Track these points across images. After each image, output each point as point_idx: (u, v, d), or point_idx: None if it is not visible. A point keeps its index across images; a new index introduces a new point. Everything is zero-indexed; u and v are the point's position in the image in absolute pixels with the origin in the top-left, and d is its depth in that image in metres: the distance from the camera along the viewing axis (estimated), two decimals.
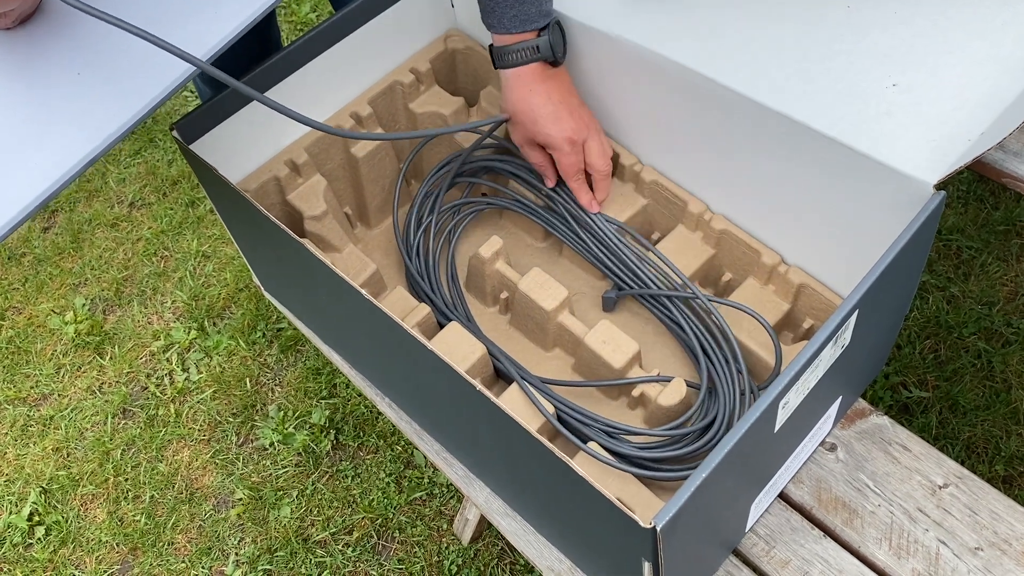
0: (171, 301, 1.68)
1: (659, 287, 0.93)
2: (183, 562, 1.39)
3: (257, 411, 1.53)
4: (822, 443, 0.90)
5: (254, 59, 0.90)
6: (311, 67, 0.95)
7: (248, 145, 0.95)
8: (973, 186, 1.60)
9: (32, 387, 1.60)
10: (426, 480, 1.42)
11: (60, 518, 1.44)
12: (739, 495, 0.77)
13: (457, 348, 0.88)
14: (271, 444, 1.48)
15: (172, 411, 1.54)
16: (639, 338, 0.95)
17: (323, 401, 1.51)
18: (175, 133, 0.86)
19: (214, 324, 1.63)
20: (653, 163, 0.98)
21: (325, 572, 1.36)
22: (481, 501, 0.93)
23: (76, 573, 1.40)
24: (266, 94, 0.92)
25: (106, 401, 1.56)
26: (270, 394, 1.54)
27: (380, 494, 1.41)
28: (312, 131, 0.98)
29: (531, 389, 0.85)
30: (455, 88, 1.11)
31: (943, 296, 1.47)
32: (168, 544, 1.41)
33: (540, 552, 0.89)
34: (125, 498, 1.46)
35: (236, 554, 1.39)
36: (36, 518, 1.45)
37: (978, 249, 1.52)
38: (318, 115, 1.00)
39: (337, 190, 1.03)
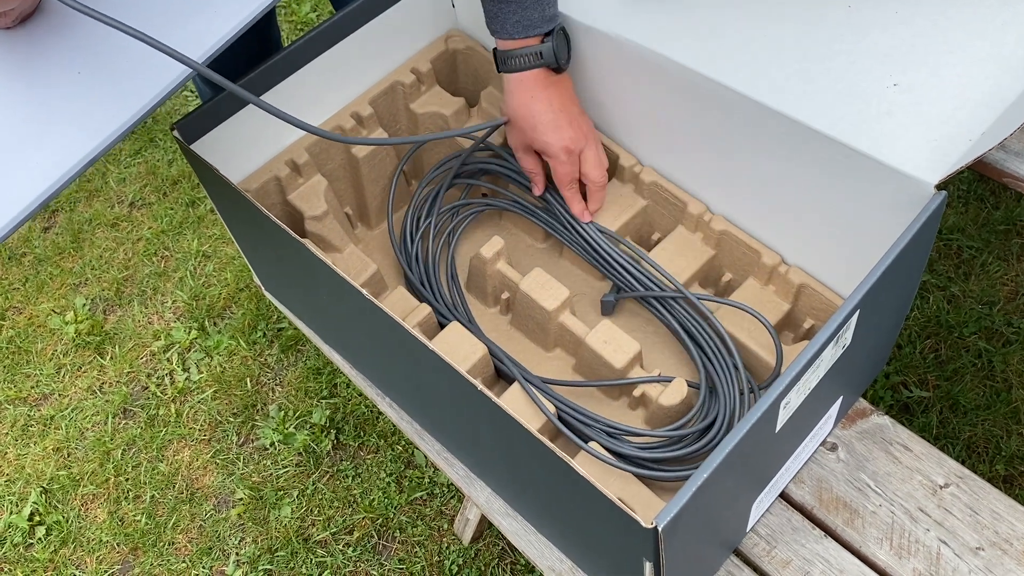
0: (171, 301, 1.67)
1: (659, 288, 0.93)
2: (184, 562, 1.39)
3: (258, 411, 1.53)
4: (823, 443, 0.90)
5: (254, 59, 0.90)
6: (311, 67, 0.95)
7: (249, 145, 0.95)
8: (974, 186, 1.60)
9: (33, 387, 1.60)
10: (427, 480, 1.42)
11: (61, 518, 1.44)
12: (740, 495, 0.77)
13: (458, 348, 0.88)
14: (272, 444, 1.48)
15: (173, 411, 1.54)
16: (640, 339, 0.95)
17: (324, 401, 1.51)
18: (176, 133, 0.86)
19: (214, 324, 1.63)
20: (653, 163, 0.98)
21: (326, 572, 1.36)
22: (482, 501, 0.93)
23: (77, 573, 1.40)
24: (266, 94, 0.92)
25: (107, 401, 1.56)
26: (271, 394, 1.54)
27: (381, 494, 1.41)
28: None
29: (532, 389, 0.85)
30: (456, 88, 1.11)
31: (944, 296, 1.47)
32: (169, 544, 1.41)
33: (541, 552, 0.89)
34: (126, 498, 1.46)
35: (237, 554, 1.39)
36: (37, 518, 1.45)
37: (979, 249, 1.52)
38: (319, 115, 1.00)
39: (338, 190, 1.03)
